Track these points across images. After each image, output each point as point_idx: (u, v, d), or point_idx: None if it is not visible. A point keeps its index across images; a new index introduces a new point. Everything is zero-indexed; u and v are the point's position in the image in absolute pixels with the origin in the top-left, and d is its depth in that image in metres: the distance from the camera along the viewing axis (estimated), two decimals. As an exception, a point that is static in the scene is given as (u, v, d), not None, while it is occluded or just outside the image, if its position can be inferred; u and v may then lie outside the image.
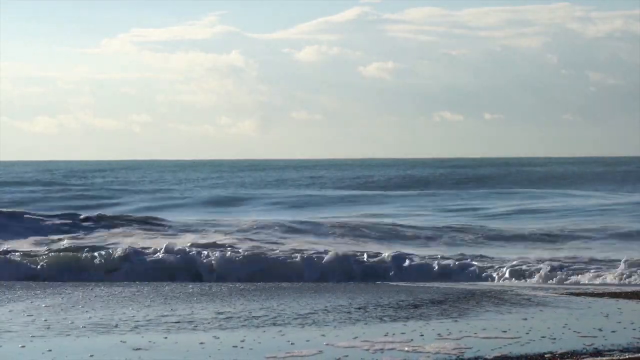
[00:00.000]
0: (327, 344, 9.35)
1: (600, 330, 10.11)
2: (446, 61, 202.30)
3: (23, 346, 9.43)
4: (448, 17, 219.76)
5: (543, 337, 9.65)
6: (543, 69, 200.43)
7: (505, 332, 9.99)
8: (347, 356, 8.73)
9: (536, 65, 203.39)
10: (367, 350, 9.01)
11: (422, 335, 9.85)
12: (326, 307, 12.31)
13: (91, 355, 8.82)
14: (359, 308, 12.17)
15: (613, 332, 10.02)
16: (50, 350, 9.15)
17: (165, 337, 9.92)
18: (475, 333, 9.90)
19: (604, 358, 8.57)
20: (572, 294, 14.06)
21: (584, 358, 8.56)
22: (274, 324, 10.78)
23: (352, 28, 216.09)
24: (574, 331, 10.04)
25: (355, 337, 9.72)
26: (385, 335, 9.82)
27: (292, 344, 9.45)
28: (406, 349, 9.05)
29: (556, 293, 14.18)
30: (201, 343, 9.58)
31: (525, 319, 11.05)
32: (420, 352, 8.90)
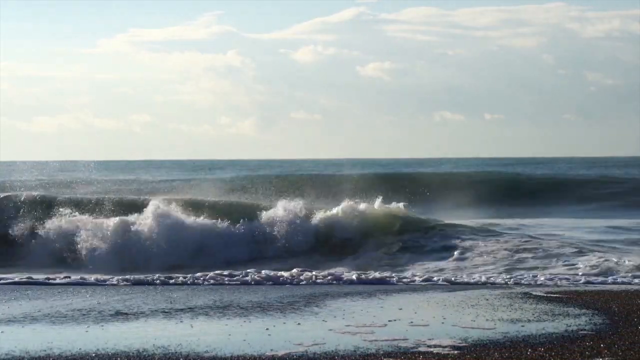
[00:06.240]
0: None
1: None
2: (444, 61, 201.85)
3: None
4: (444, 17, 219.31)
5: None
6: (541, 69, 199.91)
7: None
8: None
9: (534, 65, 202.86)
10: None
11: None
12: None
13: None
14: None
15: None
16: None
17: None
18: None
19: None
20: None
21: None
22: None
23: (349, 28, 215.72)
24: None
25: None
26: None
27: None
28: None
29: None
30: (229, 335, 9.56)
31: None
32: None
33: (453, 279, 16.52)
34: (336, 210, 22.81)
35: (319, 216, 22.40)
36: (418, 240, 21.80)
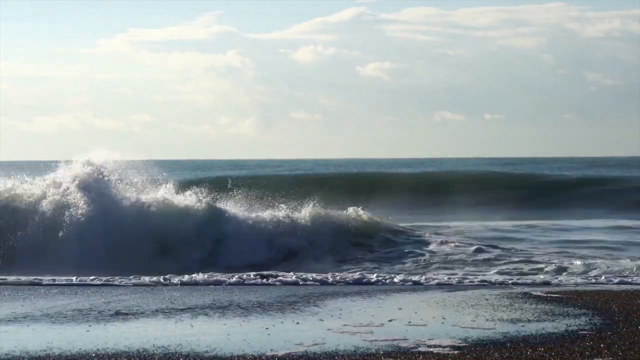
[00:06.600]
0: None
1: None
2: (444, 61, 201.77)
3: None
4: (444, 17, 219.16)
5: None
6: (541, 69, 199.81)
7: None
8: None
9: (534, 65, 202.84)
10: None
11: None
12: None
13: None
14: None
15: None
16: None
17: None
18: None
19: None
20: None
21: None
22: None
23: (349, 28, 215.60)
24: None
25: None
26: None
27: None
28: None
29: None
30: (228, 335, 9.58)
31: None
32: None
33: (415, 279, 16.39)
34: (302, 213, 22.40)
35: (281, 219, 22.04)
36: (384, 242, 21.67)
